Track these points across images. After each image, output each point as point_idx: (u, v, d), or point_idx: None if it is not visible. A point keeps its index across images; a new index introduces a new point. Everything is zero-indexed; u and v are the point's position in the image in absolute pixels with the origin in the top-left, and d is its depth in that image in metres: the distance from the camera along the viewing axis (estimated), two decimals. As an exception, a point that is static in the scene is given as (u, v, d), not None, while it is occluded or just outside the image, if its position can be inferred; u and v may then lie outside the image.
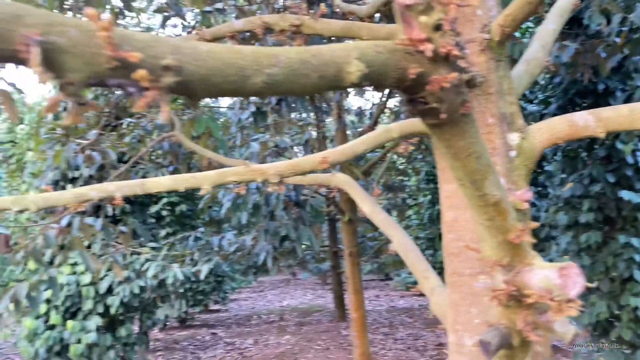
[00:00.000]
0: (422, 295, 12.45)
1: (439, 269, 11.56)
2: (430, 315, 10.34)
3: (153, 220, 8.85)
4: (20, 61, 0.42)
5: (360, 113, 8.06)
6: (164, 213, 9.16)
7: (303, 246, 6.93)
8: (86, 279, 6.50)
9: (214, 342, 9.14)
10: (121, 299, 6.55)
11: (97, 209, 4.82)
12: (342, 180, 2.70)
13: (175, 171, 6.41)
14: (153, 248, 6.74)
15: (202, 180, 1.61)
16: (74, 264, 6.63)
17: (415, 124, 1.80)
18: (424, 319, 10.04)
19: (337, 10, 4.38)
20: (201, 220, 10.28)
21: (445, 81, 0.64)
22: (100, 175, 5.05)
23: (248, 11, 4.33)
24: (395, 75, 0.64)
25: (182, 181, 1.62)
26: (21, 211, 2.30)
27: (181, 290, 8.31)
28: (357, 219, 6.71)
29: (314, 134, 5.21)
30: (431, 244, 10.92)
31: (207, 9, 3.55)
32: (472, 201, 0.86)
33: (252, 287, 15.29)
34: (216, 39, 2.19)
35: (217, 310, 12.17)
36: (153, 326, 8.17)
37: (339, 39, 2.11)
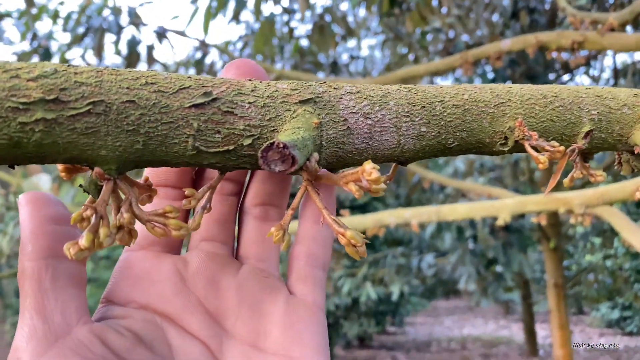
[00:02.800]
0: (628, 334, 10.91)
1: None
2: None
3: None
4: None
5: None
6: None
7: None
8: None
9: (395, 364, 9.04)
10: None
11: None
12: (606, 209, 2.42)
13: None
14: (345, 266, 6.90)
15: (500, 209, 1.52)
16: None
17: None
18: (634, 364, 8.74)
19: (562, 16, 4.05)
20: (378, 239, 10.32)
21: None
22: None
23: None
24: None
25: (479, 209, 1.56)
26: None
27: (367, 310, 8.39)
28: (562, 246, 6.10)
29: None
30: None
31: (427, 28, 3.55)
32: None
33: (427, 311, 14.88)
34: (477, 61, 2.12)
35: (394, 333, 12.04)
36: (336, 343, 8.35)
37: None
